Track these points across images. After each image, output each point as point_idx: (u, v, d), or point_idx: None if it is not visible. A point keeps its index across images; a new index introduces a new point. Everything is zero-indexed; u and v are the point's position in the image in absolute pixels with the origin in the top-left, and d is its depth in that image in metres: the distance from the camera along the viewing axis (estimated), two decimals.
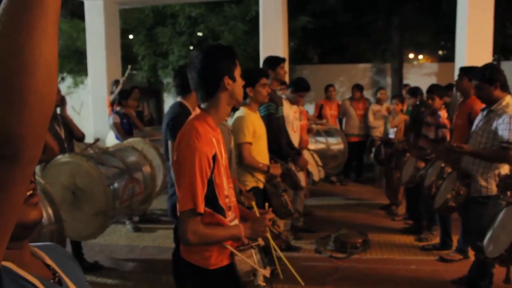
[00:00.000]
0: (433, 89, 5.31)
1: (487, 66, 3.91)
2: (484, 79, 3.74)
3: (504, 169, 3.75)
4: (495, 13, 8.01)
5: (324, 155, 7.17)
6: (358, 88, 8.39)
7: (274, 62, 4.80)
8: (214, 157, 2.11)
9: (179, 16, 11.96)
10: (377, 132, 7.85)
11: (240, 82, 2.25)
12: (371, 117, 8.06)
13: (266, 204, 2.49)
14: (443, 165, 4.40)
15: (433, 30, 14.89)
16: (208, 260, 2.19)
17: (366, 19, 13.83)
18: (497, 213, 3.14)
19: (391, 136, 6.77)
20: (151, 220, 6.52)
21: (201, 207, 2.05)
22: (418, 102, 6.17)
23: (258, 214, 2.40)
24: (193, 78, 2.21)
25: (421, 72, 13.69)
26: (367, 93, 11.14)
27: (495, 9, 8.15)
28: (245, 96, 4.09)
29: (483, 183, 3.81)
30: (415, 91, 6.23)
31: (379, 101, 8.16)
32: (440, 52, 19.83)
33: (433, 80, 12.64)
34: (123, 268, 5.06)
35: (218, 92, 2.19)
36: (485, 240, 2.97)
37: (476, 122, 3.94)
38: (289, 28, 9.67)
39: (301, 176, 4.87)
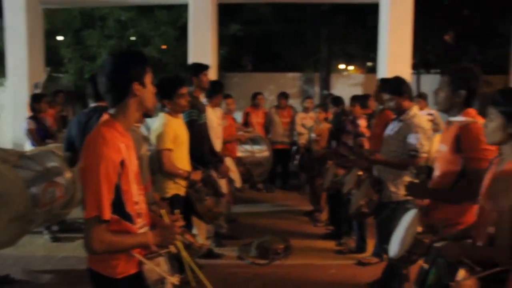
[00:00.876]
0: (355, 98, 5.53)
1: (396, 80, 4.16)
2: (393, 91, 3.96)
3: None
4: (416, 29, 8.49)
5: (249, 162, 7.25)
6: (283, 96, 8.57)
7: (197, 69, 4.81)
8: (122, 163, 2.08)
9: (108, 19, 11.69)
10: (303, 140, 8.04)
11: (150, 89, 2.23)
12: (298, 125, 8.24)
13: (177, 212, 2.47)
14: (359, 172, 4.58)
15: (362, 42, 15.44)
16: (115, 268, 2.15)
17: (296, 29, 14.17)
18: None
19: (314, 144, 6.97)
20: (72, 229, 6.28)
21: (107, 214, 2.01)
22: (340, 111, 6.40)
23: (168, 221, 2.38)
24: (103, 82, 2.18)
25: (348, 82, 14.21)
26: (296, 102, 11.42)
27: (416, 25, 8.64)
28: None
29: (393, 189, 4.00)
30: (337, 100, 6.46)
31: (305, 110, 8.38)
32: (369, 64, 20.61)
33: (359, 90, 13.13)
34: (38, 280, 4.84)
35: (127, 97, 2.16)
36: (391, 242, 3.12)
37: (387, 131, 4.15)
38: (219, 36, 9.72)
39: (223, 183, 4.89)
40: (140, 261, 2.18)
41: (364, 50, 16.71)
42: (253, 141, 7.33)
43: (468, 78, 2.84)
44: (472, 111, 2.88)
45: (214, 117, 5.28)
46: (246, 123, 8.30)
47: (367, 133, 5.49)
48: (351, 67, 20.73)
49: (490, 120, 2.24)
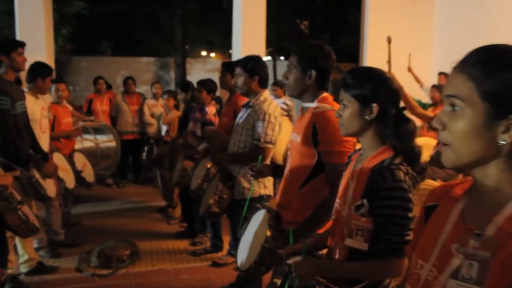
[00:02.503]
0: (202, 83, 5.03)
1: (252, 57, 3.65)
2: (245, 68, 3.50)
3: None
4: (272, 17, 8.35)
5: (93, 154, 6.44)
6: (132, 80, 7.75)
7: (8, 46, 3.88)
8: None
9: None
10: (153, 129, 7.36)
11: None
12: (146, 113, 7.52)
13: None
14: (209, 165, 4.10)
15: (221, 28, 15.16)
16: None
17: (149, 11, 13.27)
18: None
19: (164, 133, 6.34)
20: None
21: None
22: (189, 97, 5.83)
23: None
24: None
25: (205, 67, 13.77)
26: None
27: (273, 13, 8.50)
28: None
29: (245, 184, 3.58)
30: (185, 86, 5.88)
31: (154, 96, 7.67)
32: (231, 51, 20.49)
33: (216, 76, 12.75)
34: None
35: None
36: (238, 249, 2.67)
37: (237, 119, 3.70)
38: (60, 13, 8.58)
39: (50, 184, 4.06)
40: None
41: (225, 37, 16.50)
42: (97, 130, 6.51)
43: (317, 57, 2.43)
44: (328, 96, 2.50)
45: (36, 107, 4.39)
46: (89, 111, 7.38)
47: (215, 121, 5.04)
48: (212, 54, 20.40)
49: (343, 108, 1.84)
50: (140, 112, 7.65)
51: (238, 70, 3.55)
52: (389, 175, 1.68)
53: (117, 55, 15.65)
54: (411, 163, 1.75)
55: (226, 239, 4.91)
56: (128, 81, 7.71)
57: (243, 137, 3.50)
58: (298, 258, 1.82)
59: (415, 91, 7.66)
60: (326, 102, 2.44)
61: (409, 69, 7.92)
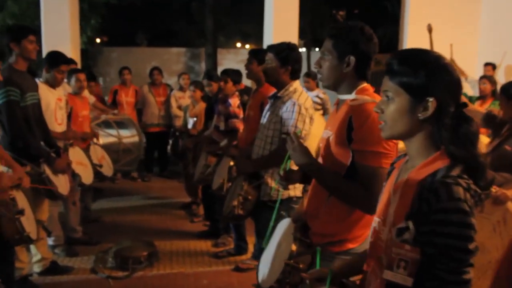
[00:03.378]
0: (226, 73, 4.70)
1: (287, 45, 3.22)
2: (278, 56, 3.13)
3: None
4: (306, 6, 7.95)
5: (116, 149, 6.20)
6: (158, 71, 7.46)
7: (18, 33, 3.62)
8: None
9: None
10: (179, 122, 7.07)
11: None
12: (173, 105, 7.22)
13: None
14: (232, 163, 3.76)
15: (256, 18, 14.83)
16: None
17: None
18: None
19: (191, 126, 6.02)
20: None
21: None
22: (218, 89, 5.49)
23: None
24: None
25: (236, 58, 13.41)
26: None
27: (307, 2, 8.10)
28: None
29: (274, 185, 3.22)
30: (211, 76, 5.52)
31: (182, 88, 7.36)
32: None
33: None
34: None
35: None
36: (260, 262, 2.33)
37: (264, 112, 3.34)
38: (89, 2, 8.40)
39: (62, 181, 3.80)
40: None
41: (260, 28, 16.05)
42: (120, 124, 6.28)
43: (356, 40, 2.00)
44: (369, 87, 2.09)
45: (52, 97, 4.14)
46: (114, 103, 7.15)
47: (239, 113, 4.69)
48: (247, 46, 20.02)
49: (386, 101, 1.43)
50: (167, 104, 7.37)
51: (269, 56, 3.17)
52: (444, 192, 1.27)
53: (152, 46, 15.50)
54: (474, 176, 1.34)
55: (251, 239, 4.56)
56: (154, 72, 7.43)
57: (270, 132, 3.15)
58: None
59: None
60: (367, 94, 2.04)
61: (452, 60, 7.37)
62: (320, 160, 2.20)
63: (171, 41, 14.91)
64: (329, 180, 2.02)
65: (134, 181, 7.50)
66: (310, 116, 3.06)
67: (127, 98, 7.20)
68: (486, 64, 8.10)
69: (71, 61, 4.59)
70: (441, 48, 7.76)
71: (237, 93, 4.83)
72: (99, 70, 12.19)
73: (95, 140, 4.96)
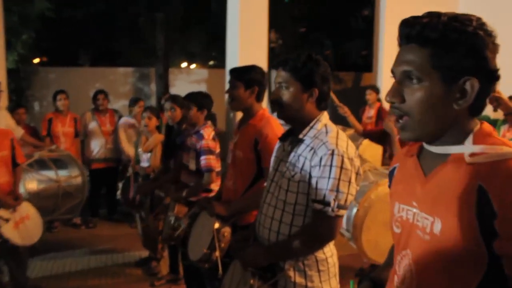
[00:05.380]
0: (193, 97, 3.63)
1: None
2: (297, 75, 2.05)
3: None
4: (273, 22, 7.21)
5: (53, 195, 4.94)
6: (103, 94, 6.22)
7: None
8: None
9: None
10: (131, 156, 5.89)
11: None
12: (122, 137, 6.00)
13: None
14: (217, 226, 2.66)
15: (203, 40, 14.05)
16: None
17: (125, 14, 11.77)
18: None
19: (145, 164, 4.83)
20: None
21: None
22: (182, 116, 4.35)
23: None
24: None
25: (189, 79, 12.34)
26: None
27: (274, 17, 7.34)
28: None
29: (298, 279, 2.07)
30: (176, 98, 4.34)
31: (135, 116, 6.16)
32: (211, 62, 19.41)
33: (203, 88, 11.35)
34: None
35: None
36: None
37: (273, 161, 2.25)
38: (20, 14, 7.12)
39: None
40: None
41: (205, 48, 15.45)
42: (58, 163, 5.03)
43: None
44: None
45: None
46: (49, 134, 5.86)
47: (216, 148, 3.60)
48: (193, 66, 19.01)
49: None
50: (115, 134, 6.15)
51: (283, 76, 2.09)
52: None
53: (96, 66, 14.13)
54: None
55: None
56: (99, 96, 6.18)
57: (293, 196, 2.03)
58: None
59: None
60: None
61: None
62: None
63: (117, 61, 13.65)
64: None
65: (76, 229, 6.17)
66: (357, 171, 2.00)
67: (64, 128, 5.91)
68: None
69: None
70: None
71: (209, 122, 3.72)
72: (34, 94, 10.73)
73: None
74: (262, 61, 6.51)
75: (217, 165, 3.60)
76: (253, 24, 6.93)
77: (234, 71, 2.85)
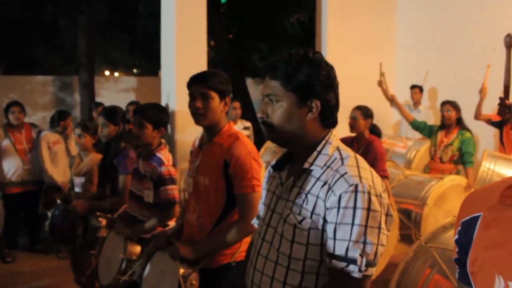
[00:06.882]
0: (145, 113, 2.94)
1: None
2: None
3: None
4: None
5: None
6: (19, 107, 5.35)
7: None
8: None
9: None
10: (54, 177, 5.11)
11: None
12: (44, 156, 5.19)
13: None
14: (182, 271, 2.10)
15: (126, 46, 13.32)
16: None
17: (44, 16, 10.74)
18: None
19: (78, 190, 4.08)
20: None
21: None
22: (119, 131, 3.67)
23: None
24: None
25: (117, 87, 11.51)
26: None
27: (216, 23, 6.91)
28: None
29: None
30: (111, 114, 3.63)
31: (62, 132, 5.36)
32: (135, 70, 18.70)
33: (132, 97, 10.56)
34: None
35: None
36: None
37: (264, 198, 1.68)
38: None
39: None
40: None
41: (128, 56, 14.82)
42: None
43: None
44: None
45: None
46: None
47: (174, 174, 2.98)
48: (116, 74, 18.09)
49: None
50: (34, 152, 5.31)
51: (271, 85, 1.54)
52: None
53: (10, 74, 12.85)
54: None
55: None
56: (13, 109, 5.31)
57: (301, 249, 1.45)
58: None
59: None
60: None
61: (380, 83, 6.42)
62: None
63: (34, 69, 12.50)
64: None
65: None
66: (387, 211, 1.45)
67: None
68: (413, 87, 7.34)
69: None
70: (367, 68, 6.95)
71: (163, 141, 3.09)
72: None
73: None
74: (201, 67, 6.00)
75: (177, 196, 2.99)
76: (191, 27, 6.49)
77: (196, 79, 2.29)
